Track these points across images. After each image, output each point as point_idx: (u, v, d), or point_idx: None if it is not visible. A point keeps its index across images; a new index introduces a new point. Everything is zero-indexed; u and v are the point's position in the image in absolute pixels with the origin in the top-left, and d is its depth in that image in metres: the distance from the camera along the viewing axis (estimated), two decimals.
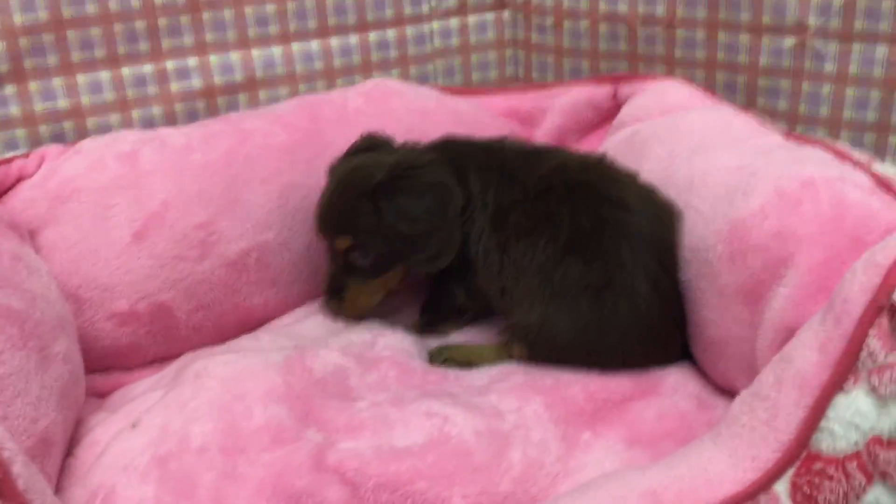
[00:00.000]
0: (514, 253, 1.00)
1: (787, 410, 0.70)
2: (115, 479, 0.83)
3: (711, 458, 0.73)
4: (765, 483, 0.68)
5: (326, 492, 0.81)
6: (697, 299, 0.97)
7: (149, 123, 1.29)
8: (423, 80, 1.43)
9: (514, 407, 0.92)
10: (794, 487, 0.67)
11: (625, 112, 1.24)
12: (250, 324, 1.20)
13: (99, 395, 1.08)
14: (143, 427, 0.87)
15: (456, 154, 1.08)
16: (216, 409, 0.86)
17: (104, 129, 1.26)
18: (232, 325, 1.18)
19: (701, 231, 0.96)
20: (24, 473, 0.63)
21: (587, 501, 0.72)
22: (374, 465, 0.84)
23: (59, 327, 0.92)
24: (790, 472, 0.68)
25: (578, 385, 0.94)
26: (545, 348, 0.99)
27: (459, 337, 1.13)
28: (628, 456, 0.87)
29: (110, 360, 1.12)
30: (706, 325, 0.96)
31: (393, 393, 0.96)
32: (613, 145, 1.21)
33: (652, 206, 1.01)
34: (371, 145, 1.12)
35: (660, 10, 1.32)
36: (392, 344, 1.05)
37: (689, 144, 1.06)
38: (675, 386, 0.95)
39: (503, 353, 1.04)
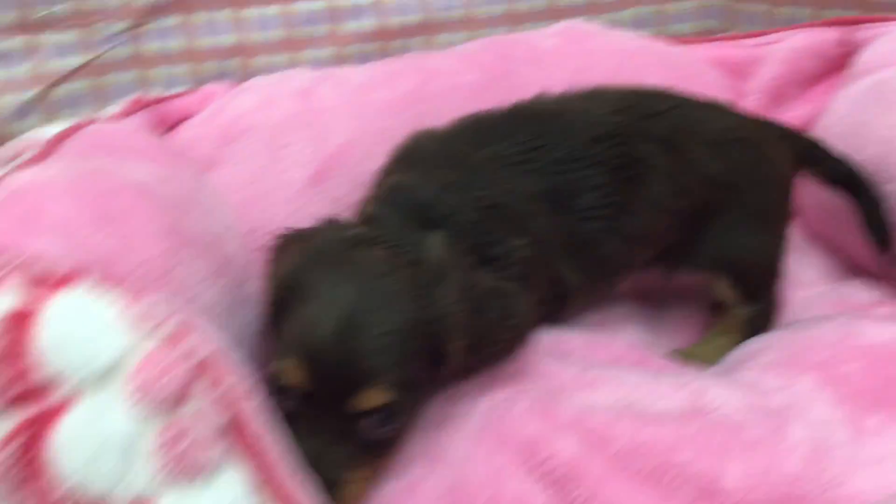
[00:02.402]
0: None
1: None
2: None
3: None
4: None
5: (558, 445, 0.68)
6: None
7: (317, 65, 1.17)
8: None
9: (779, 385, 0.76)
10: None
11: (865, 58, 1.07)
12: None
13: None
14: None
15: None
16: None
17: (271, 69, 1.15)
18: None
19: None
20: (260, 415, 0.50)
21: None
22: (623, 426, 0.70)
23: (249, 266, 0.81)
24: None
25: (854, 361, 0.78)
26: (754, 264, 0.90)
27: None
28: None
29: None
30: None
31: (628, 365, 0.82)
32: (853, 97, 1.04)
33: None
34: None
35: None
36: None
37: None
38: None
39: (729, 327, 0.90)
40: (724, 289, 0.90)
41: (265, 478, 0.48)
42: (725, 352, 0.87)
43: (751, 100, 1.16)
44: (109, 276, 0.59)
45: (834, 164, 0.96)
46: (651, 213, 0.85)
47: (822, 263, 1.05)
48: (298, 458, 0.57)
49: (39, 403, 0.44)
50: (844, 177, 0.96)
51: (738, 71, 1.18)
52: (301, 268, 0.67)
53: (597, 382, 0.76)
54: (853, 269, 1.03)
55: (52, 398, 0.45)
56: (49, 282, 0.48)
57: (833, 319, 0.87)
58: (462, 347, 0.67)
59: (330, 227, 0.75)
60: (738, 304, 0.90)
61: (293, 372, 0.61)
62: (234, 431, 0.48)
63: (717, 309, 0.93)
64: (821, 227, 1.07)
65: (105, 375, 0.45)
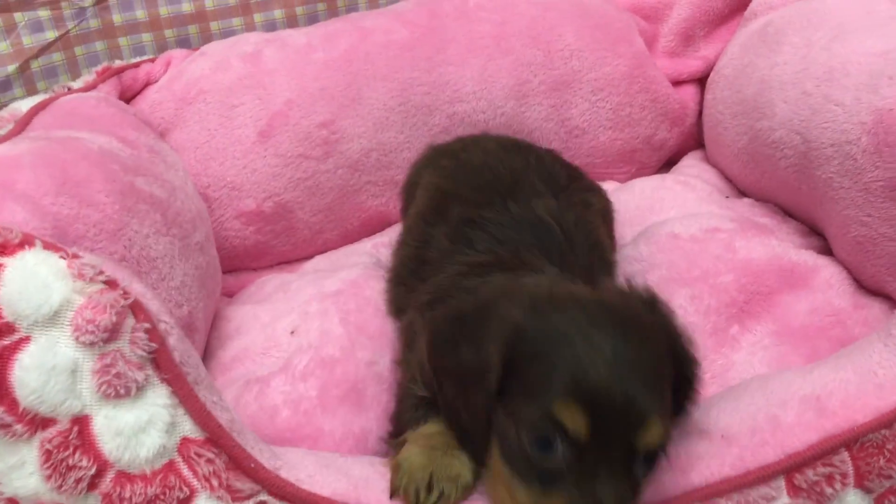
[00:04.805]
0: None
1: None
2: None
3: (882, 362, 0.66)
4: None
5: None
6: (840, 198, 0.91)
7: (270, 27, 1.29)
8: None
9: None
10: None
11: (757, 1, 1.17)
12: (371, 226, 1.21)
13: (230, 295, 1.11)
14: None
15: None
16: None
17: (228, 33, 1.26)
18: (353, 227, 1.19)
19: (843, 125, 0.90)
20: (179, 347, 0.64)
21: (745, 408, 0.67)
22: None
23: (198, 219, 0.95)
24: None
25: (728, 273, 0.90)
26: None
27: None
28: (778, 353, 0.83)
29: (239, 260, 1.15)
30: (850, 225, 0.90)
31: None
32: (744, 40, 1.14)
33: None
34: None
35: None
36: None
37: (828, 30, 0.99)
38: (828, 281, 0.90)
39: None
40: None
41: (182, 397, 0.62)
42: None
43: (664, 42, 1.26)
44: (68, 235, 0.74)
45: None
46: None
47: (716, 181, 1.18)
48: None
49: (3, 340, 0.59)
50: None
51: (653, 15, 1.27)
52: (533, 322, 0.64)
53: None
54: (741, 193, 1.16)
55: (14, 336, 0.59)
56: (7, 248, 0.61)
57: (720, 231, 0.97)
58: (699, 370, 0.68)
59: (523, 283, 0.72)
60: None
61: (574, 417, 0.59)
62: (156, 360, 0.62)
63: None
64: (714, 159, 1.20)
65: (53, 318, 0.59)
